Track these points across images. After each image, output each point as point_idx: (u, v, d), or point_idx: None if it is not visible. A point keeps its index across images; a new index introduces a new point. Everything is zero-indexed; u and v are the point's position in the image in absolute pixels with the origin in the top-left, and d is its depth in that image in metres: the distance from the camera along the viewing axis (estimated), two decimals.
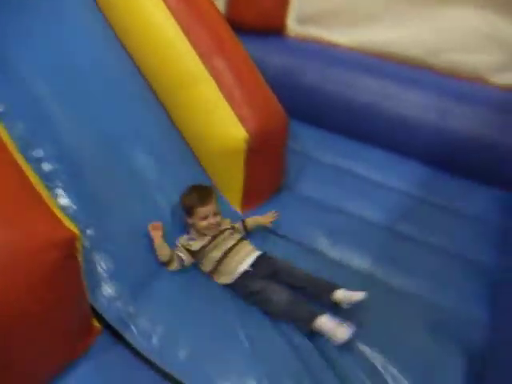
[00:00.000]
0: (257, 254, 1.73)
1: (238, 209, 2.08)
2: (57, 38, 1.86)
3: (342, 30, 2.99)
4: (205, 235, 1.75)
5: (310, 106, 2.84)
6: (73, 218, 1.49)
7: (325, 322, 1.48)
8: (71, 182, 1.62)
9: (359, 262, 1.86)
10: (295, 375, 1.38)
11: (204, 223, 1.73)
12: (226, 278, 1.67)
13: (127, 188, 1.76)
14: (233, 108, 1.96)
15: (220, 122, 1.96)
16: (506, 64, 2.52)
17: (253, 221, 1.95)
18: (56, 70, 1.80)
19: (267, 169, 2.11)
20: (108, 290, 1.51)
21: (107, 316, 1.47)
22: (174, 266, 1.69)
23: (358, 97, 2.71)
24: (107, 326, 1.48)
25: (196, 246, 1.72)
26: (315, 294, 1.61)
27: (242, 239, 1.79)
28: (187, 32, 2.01)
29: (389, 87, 2.66)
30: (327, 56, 2.94)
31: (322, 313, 1.51)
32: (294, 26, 3.17)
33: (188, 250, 1.72)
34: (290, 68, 2.91)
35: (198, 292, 1.62)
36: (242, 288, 1.63)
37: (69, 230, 1.23)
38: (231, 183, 2.05)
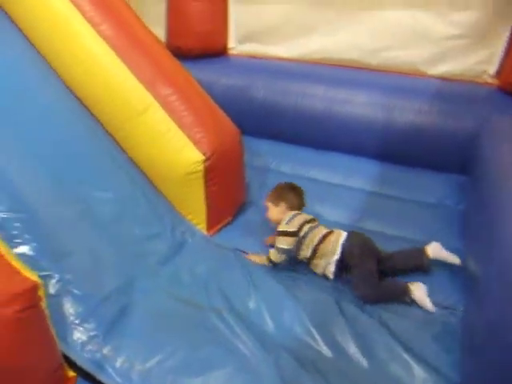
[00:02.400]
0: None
1: (204, 230, 2.07)
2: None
3: (281, 44, 3.07)
4: None
5: (263, 120, 2.88)
6: (33, 265, 1.43)
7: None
8: (26, 228, 1.56)
9: None
10: None
11: None
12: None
13: (85, 226, 1.72)
14: (185, 132, 1.96)
15: (174, 147, 1.95)
16: (438, 56, 2.66)
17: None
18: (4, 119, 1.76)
19: (228, 187, 2.11)
20: (78, 334, 1.46)
21: (81, 362, 1.41)
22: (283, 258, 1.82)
23: (307, 105, 2.77)
24: (84, 374, 1.42)
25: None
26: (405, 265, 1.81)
27: None
28: (128, 62, 2.01)
29: (335, 91, 2.73)
30: (272, 70, 3.00)
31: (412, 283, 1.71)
32: (235, 45, 3.22)
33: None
34: (237, 86, 2.94)
35: (172, 321, 1.58)
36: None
37: (28, 279, 1.18)
38: (194, 206, 2.04)
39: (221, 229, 2.11)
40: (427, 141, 2.47)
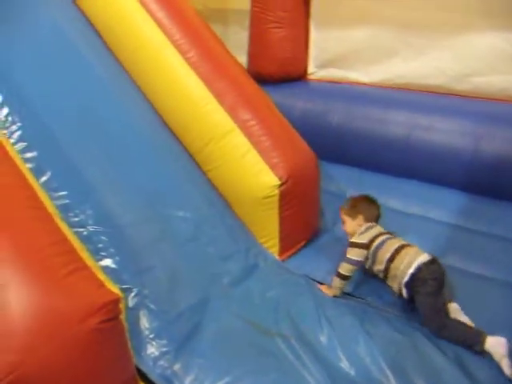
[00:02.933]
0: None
1: (276, 254, 2.06)
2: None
3: (362, 69, 3.03)
4: None
5: (340, 146, 2.84)
6: (115, 278, 1.52)
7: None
8: (112, 242, 1.67)
9: None
10: None
11: None
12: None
13: (165, 244, 1.79)
14: (262, 156, 2.00)
15: (251, 171, 1.99)
16: None
17: None
18: (91, 136, 1.92)
19: (302, 213, 2.09)
20: (152, 349, 1.51)
21: (153, 376, 1.45)
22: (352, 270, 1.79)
23: (387, 131, 2.69)
24: None
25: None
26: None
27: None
28: (212, 88, 2.10)
29: (418, 117, 2.63)
30: (351, 94, 2.96)
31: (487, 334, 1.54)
32: (315, 70, 3.24)
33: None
34: (315, 110, 2.94)
35: (241, 344, 1.58)
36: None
37: (111, 292, 1.25)
38: (267, 230, 2.05)
39: (293, 254, 2.10)
40: None
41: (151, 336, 1.55)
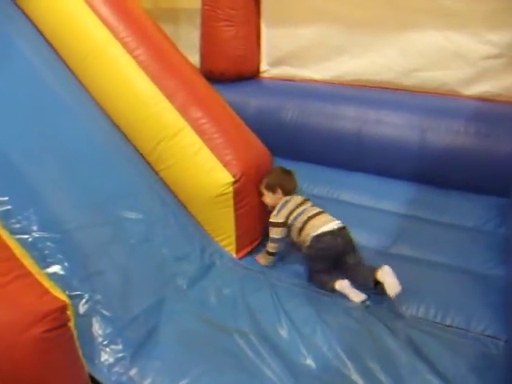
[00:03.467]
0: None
1: (232, 253, 2.05)
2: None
3: (313, 66, 3.07)
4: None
5: (294, 142, 2.86)
6: (64, 284, 1.46)
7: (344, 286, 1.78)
8: (59, 248, 1.60)
9: None
10: None
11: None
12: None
13: (116, 247, 1.74)
14: (215, 154, 1.98)
15: (204, 168, 1.98)
16: (474, 76, 2.58)
17: None
18: (37, 140, 1.83)
19: (257, 210, 2.09)
20: (106, 355, 1.46)
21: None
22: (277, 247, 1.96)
23: (339, 126, 2.74)
24: None
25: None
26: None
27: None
28: (162, 87, 2.07)
29: (367, 112, 2.69)
30: (304, 91, 3.00)
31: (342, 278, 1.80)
32: (267, 68, 3.26)
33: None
34: (269, 108, 2.95)
35: (199, 345, 1.56)
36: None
37: (57, 299, 1.20)
38: (223, 228, 2.03)
39: (250, 252, 2.09)
40: (464, 162, 2.38)
41: (105, 343, 1.49)
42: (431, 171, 2.50)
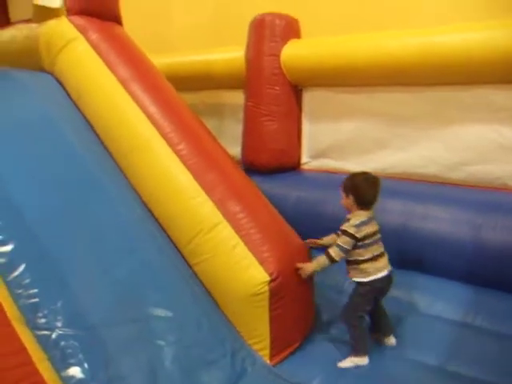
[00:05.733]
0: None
1: (266, 358, 1.87)
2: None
3: (355, 159, 3.05)
4: None
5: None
6: None
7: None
8: (82, 347, 1.51)
9: None
10: None
11: None
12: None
13: (142, 347, 1.63)
14: (251, 250, 1.90)
15: (239, 265, 1.89)
16: None
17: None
18: (72, 228, 1.84)
19: (294, 311, 1.94)
20: None
21: None
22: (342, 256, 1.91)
23: (382, 220, 2.61)
24: None
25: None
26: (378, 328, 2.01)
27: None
28: (201, 181, 2.07)
29: (413, 206, 2.57)
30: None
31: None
32: (308, 160, 3.27)
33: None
34: (310, 200, 2.91)
35: None
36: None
37: None
38: (256, 330, 1.88)
39: (285, 358, 1.91)
40: None
41: None
42: (488, 271, 2.28)
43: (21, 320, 1.34)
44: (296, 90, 3.17)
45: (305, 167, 3.29)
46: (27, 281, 1.62)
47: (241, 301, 1.88)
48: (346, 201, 1.94)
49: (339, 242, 1.87)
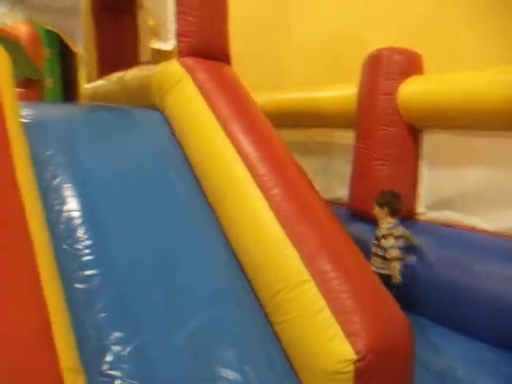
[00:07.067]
0: None
1: None
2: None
3: (484, 214, 2.58)
4: None
5: (449, 305, 2.33)
6: None
7: None
8: None
9: None
10: None
11: None
12: None
13: None
14: (338, 318, 1.65)
15: (322, 335, 1.64)
16: None
17: None
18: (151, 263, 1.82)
19: None
20: None
21: None
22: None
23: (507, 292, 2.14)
24: None
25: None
26: None
27: None
28: (291, 232, 1.90)
29: None
30: (468, 243, 2.50)
31: None
32: (425, 210, 2.88)
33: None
34: (424, 258, 2.53)
35: None
36: None
37: None
38: None
39: None
40: None
41: None
42: None
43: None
44: (413, 131, 2.83)
45: (421, 218, 2.90)
46: (101, 321, 1.62)
47: (320, 375, 1.62)
48: (380, 212, 2.50)
49: (386, 244, 2.38)
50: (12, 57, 1.87)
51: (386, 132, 2.80)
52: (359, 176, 2.99)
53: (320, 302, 1.70)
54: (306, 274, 1.77)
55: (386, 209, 2.47)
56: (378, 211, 2.51)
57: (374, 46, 2.88)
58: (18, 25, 4.74)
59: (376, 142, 2.84)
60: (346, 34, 3.71)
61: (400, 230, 2.46)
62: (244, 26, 3.61)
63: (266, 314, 1.88)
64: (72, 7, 3.86)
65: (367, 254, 2.19)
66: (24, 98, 5.36)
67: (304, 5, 4.11)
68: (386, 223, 2.45)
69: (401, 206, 2.50)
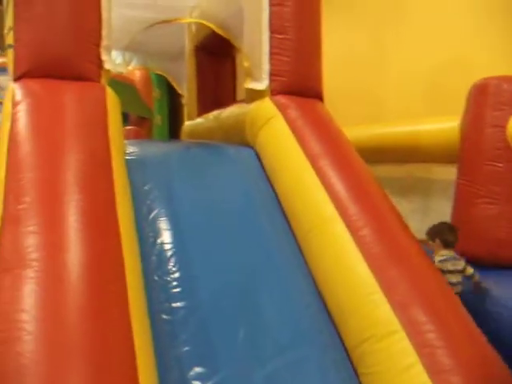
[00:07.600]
0: None
1: None
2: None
3: None
4: None
5: None
6: None
7: None
8: None
9: None
10: None
11: None
12: None
13: None
14: (434, 378, 1.49)
15: None
16: None
17: None
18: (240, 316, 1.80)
19: None
20: None
21: None
22: None
23: None
24: None
25: None
26: None
27: None
28: (380, 277, 1.78)
29: None
30: None
31: None
32: None
33: None
34: None
35: None
36: None
37: None
38: None
39: None
40: None
41: None
42: None
43: None
44: None
45: None
46: (183, 354, 1.64)
47: None
48: (432, 244, 2.40)
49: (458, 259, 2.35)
50: (127, 98, 2.06)
51: (494, 168, 2.55)
52: (461, 215, 2.74)
53: (412, 357, 1.55)
54: (396, 324, 1.64)
55: (437, 241, 2.38)
56: (431, 244, 2.43)
57: (478, 74, 2.68)
58: (133, 70, 5.30)
59: (482, 179, 2.59)
60: (447, 63, 3.51)
61: (457, 264, 2.32)
62: (339, 62, 3.61)
63: (352, 363, 1.77)
64: (178, 52, 4.21)
65: None
66: (135, 134, 5.93)
67: (399, 36, 4.00)
68: (439, 256, 2.32)
69: (455, 239, 2.37)
